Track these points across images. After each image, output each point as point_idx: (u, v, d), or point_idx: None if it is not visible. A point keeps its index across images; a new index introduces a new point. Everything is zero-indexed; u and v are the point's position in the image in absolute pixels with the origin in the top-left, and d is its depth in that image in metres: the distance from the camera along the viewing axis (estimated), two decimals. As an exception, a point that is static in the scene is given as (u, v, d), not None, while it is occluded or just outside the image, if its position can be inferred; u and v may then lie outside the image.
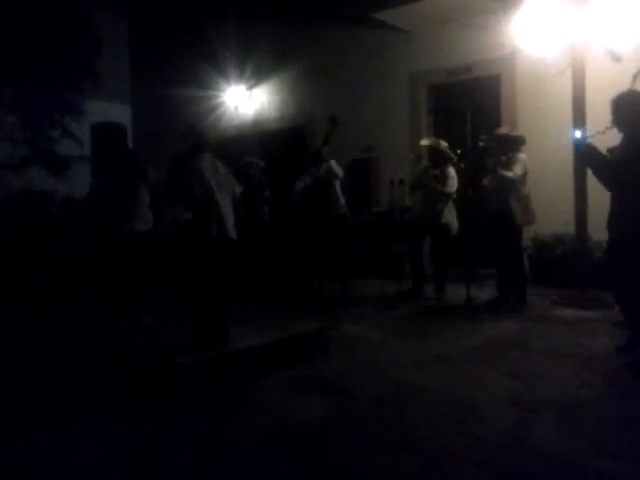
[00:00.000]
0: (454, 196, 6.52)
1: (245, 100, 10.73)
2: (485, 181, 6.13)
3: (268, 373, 4.10)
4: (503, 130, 6.34)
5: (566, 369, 4.09)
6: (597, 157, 4.19)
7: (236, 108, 10.82)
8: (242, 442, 3.13)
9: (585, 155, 4.31)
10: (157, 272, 6.21)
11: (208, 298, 4.35)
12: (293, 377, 4.10)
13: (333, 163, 7.01)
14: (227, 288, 4.47)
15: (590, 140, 4.28)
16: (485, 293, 6.42)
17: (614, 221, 4.23)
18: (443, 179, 6.47)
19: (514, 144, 5.99)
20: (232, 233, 4.42)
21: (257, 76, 10.46)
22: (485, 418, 3.31)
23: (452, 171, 6.52)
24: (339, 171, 7.03)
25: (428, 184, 6.53)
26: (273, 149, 9.95)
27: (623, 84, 5.39)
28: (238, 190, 4.68)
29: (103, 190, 5.47)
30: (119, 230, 5.26)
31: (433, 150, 6.68)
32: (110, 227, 5.32)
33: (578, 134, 4.34)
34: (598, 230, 5.09)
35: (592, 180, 4.77)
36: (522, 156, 5.91)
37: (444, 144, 6.64)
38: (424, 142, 7.03)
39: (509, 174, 5.78)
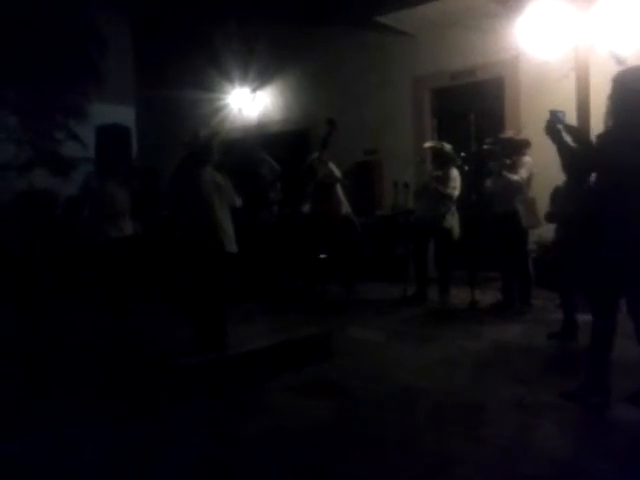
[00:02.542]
0: (455, 199, 6.49)
1: (249, 103, 10.74)
2: (488, 182, 6.12)
3: (271, 376, 4.10)
4: (508, 134, 6.34)
5: (570, 373, 4.08)
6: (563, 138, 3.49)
7: (240, 110, 10.83)
8: (244, 444, 3.13)
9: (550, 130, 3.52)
10: (150, 276, 6.24)
11: (203, 304, 4.35)
12: (296, 380, 4.10)
13: (331, 165, 7.02)
14: (222, 295, 4.45)
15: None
16: (489, 296, 6.41)
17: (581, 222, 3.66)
18: (445, 181, 6.46)
19: (519, 147, 6.00)
20: (230, 246, 4.41)
21: (261, 79, 10.46)
22: (489, 421, 3.31)
23: (455, 173, 6.51)
24: (338, 173, 7.04)
25: (429, 185, 6.53)
26: (277, 152, 9.95)
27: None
28: (238, 202, 4.65)
29: (96, 193, 5.50)
30: (107, 235, 5.30)
31: (437, 152, 6.67)
32: (100, 231, 5.36)
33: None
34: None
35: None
36: (527, 159, 5.92)
37: (448, 146, 6.64)
38: (428, 144, 7.04)
39: (515, 177, 5.79)
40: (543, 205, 5.98)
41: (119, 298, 5.37)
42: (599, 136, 3.47)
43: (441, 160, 6.59)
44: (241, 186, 4.94)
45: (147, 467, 2.93)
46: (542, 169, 6.13)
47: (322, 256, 6.96)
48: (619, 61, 6.09)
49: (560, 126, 3.51)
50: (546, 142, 4.17)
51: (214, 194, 4.36)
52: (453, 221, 6.50)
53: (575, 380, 3.90)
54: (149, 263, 5.90)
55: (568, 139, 3.51)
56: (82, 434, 3.23)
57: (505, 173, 5.83)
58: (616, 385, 3.50)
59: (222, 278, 4.44)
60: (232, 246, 4.42)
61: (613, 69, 6.22)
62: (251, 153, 7.97)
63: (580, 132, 3.62)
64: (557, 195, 5.13)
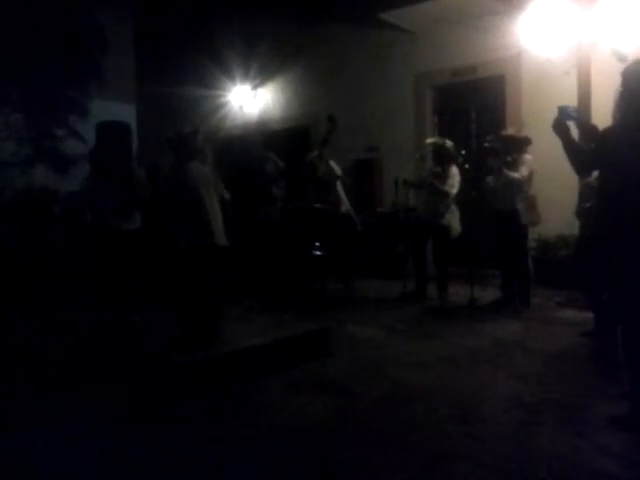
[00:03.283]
0: (453, 196, 6.46)
1: (250, 100, 10.74)
2: (489, 180, 6.10)
3: (270, 373, 4.09)
4: (509, 131, 6.32)
5: (569, 370, 4.07)
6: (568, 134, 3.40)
7: (241, 108, 10.82)
8: (243, 441, 3.12)
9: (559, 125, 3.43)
10: (150, 271, 6.23)
11: (195, 301, 4.35)
12: (295, 377, 4.09)
13: (332, 162, 7.01)
14: (215, 291, 4.44)
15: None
16: (489, 294, 6.40)
17: (596, 218, 3.62)
18: (444, 177, 6.44)
19: (520, 145, 5.98)
20: (220, 240, 4.41)
21: (262, 76, 10.46)
22: (487, 419, 3.30)
23: (455, 170, 6.48)
24: (338, 170, 7.04)
25: (425, 180, 6.52)
26: (278, 149, 9.95)
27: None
28: (227, 196, 4.67)
29: (95, 188, 5.51)
30: (107, 228, 5.32)
31: (438, 148, 6.64)
32: (99, 225, 5.38)
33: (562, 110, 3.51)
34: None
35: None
36: (528, 157, 5.91)
37: (449, 143, 6.62)
38: (429, 141, 7.02)
39: (515, 175, 5.77)
40: (542, 202, 5.99)
41: (116, 294, 5.37)
42: (604, 131, 3.38)
43: (442, 157, 6.56)
44: (244, 183, 4.94)
45: (145, 465, 2.92)
46: (542, 166, 6.13)
47: (321, 253, 6.95)
48: (621, 58, 6.07)
49: (571, 122, 3.41)
50: (546, 140, 4.15)
51: (203, 188, 4.37)
52: (451, 218, 6.47)
53: (574, 376, 3.91)
54: (146, 258, 5.90)
55: (576, 136, 3.39)
56: (81, 431, 3.23)
57: (506, 171, 5.82)
58: (618, 385, 3.50)
59: (214, 272, 4.43)
60: (222, 240, 4.42)
61: (615, 66, 6.22)
62: (255, 150, 7.98)
63: (594, 128, 3.46)
64: (585, 192, 4.92)
